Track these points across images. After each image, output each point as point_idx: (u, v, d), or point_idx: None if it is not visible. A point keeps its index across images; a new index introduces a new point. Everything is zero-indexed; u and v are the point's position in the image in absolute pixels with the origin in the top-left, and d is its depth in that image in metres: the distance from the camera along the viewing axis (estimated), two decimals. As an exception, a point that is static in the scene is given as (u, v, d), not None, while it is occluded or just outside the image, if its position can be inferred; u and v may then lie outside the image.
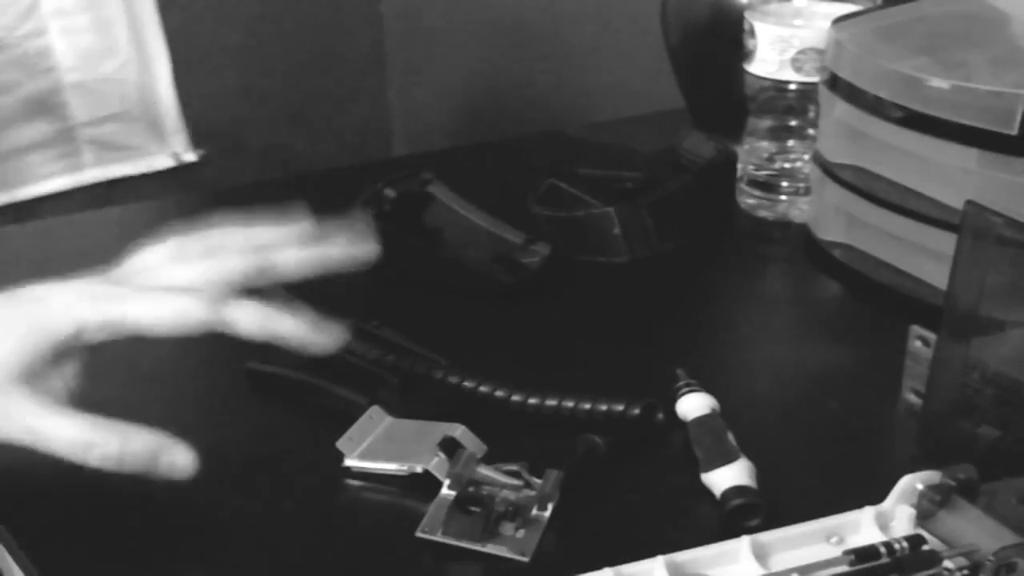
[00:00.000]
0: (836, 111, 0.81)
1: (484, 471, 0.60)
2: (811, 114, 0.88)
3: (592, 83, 1.53)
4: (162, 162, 1.77)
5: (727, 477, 0.59)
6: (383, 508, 0.62)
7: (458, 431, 0.63)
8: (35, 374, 0.57)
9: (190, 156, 1.77)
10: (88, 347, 0.59)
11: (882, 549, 0.51)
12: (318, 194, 1.01)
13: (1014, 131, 0.70)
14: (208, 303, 0.58)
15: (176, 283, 0.60)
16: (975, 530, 0.52)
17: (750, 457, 0.60)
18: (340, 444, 0.63)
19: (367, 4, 1.92)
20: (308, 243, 0.62)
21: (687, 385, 0.66)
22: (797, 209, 0.90)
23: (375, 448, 0.64)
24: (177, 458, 0.57)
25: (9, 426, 0.57)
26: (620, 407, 0.65)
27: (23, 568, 0.59)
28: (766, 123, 0.91)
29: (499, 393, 0.66)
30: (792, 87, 0.87)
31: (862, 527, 0.55)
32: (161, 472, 0.57)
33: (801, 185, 0.90)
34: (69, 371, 0.59)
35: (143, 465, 0.57)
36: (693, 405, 0.65)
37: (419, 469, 0.61)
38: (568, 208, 0.87)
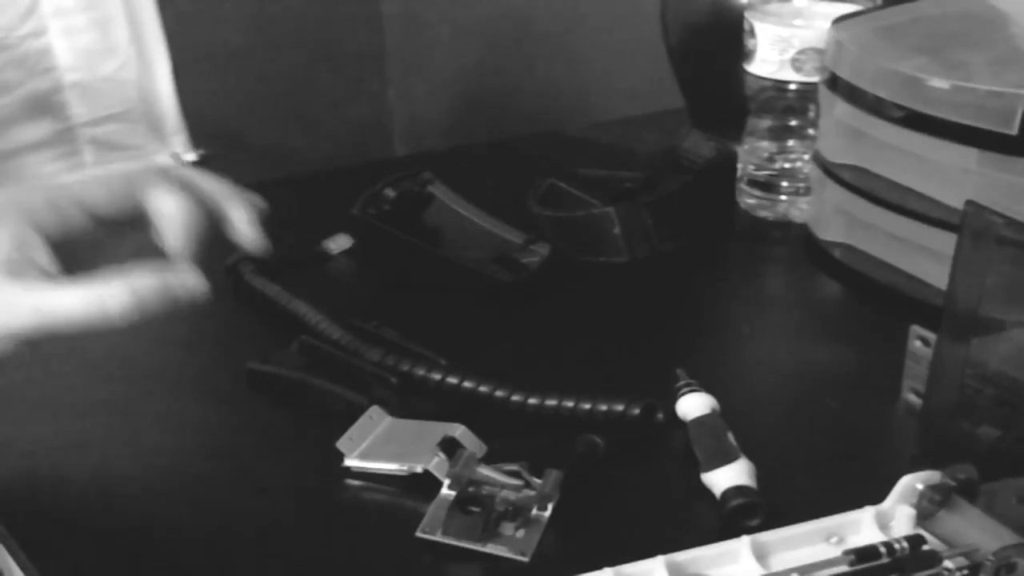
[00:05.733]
0: (836, 111, 0.81)
1: (484, 471, 0.60)
2: (811, 114, 0.88)
3: (592, 83, 1.53)
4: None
5: (727, 477, 0.59)
6: (383, 508, 0.62)
7: (458, 431, 0.63)
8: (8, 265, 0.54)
9: (190, 156, 1.77)
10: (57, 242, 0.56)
11: (882, 549, 0.51)
12: (318, 194, 1.01)
13: (1014, 131, 0.70)
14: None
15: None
16: (975, 530, 0.52)
17: (750, 457, 0.61)
18: (340, 444, 0.63)
19: (367, 4, 1.92)
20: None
21: (687, 385, 0.66)
22: (797, 209, 0.90)
23: (375, 448, 0.64)
24: (188, 281, 0.55)
25: (15, 314, 0.54)
26: (620, 407, 0.65)
27: (23, 568, 0.59)
28: (766, 123, 0.91)
29: (499, 393, 0.66)
30: (792, 87, 0.87)
31: (862, 527, 0.55)
32: (181, 302, 0.55)
33: (801, 185, 0.90)
34: (44, 261, 0.55)
35: (161, 302, 0.54)
36: (693, 405, 0.65)
37: (419, 469, 0.61)
38: (568, 208, 0.87)
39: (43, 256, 0.55)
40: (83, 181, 0.57)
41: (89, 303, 0.54)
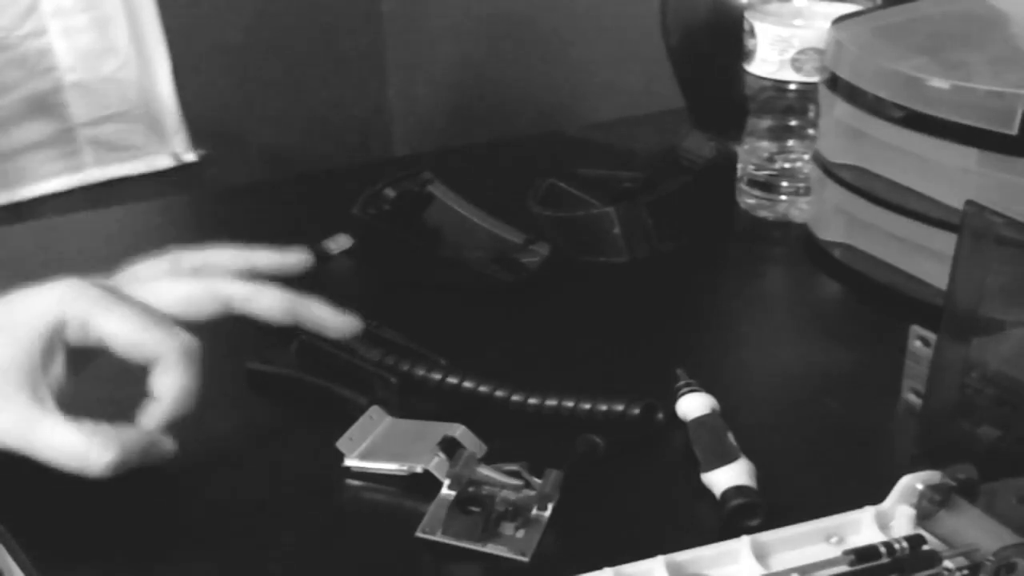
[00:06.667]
0: (836, 111, 0.81)
1: (484, 471, 0.60)
2: (811, 114, 0.88)
3: (592, 83, 1.53)
4: (162, 162, 1.77)
5: (727, 477, 0.59)
6: (383, 508, 0.62)
7: (458, 431, 0.63)
8: (28, 374, 0.57)
9: (190, 156, 1.77)
10: (73, 347, 0.59)
11: (882, 549, 0.51)
12: (318, 194, 1.01)
13: (1014, 131, 0.70)
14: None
15: (163, 300, 0.61)
16: (975, 530, 0.52)
17: (750, 457, 0.61)
18: (340, 444, 0.63)
19: (367, 3, 1.92)
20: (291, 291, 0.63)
21: (687, 385, 0.66)
22: (797, 209, 0.90)
23: (375, 448, 0.64)
24: (164, 447, 0.60)
25: (8, 428, 0.57)
26: (620, 407, 0.65)
27: (23, 568, 0.59)
28: (766, 123, 0.91)
29: (499, 393, 0.66)
30: (792, 87, 0.87)
31: (862, 527, 0.55)
32: (149, 463, 0.59)
33: (801, 185, 0.90)
34: (59, 371, 0.59)
35: (135, 464, 0.58)
36: (693, 405, 0.65)
37: (419, 469, 0.61)
38: (568, 208, 0.87)
39: (60, 370, 0.58)
40: (120, 316, 0.59)
41: (76, 449, 0.57)
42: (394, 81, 1.96)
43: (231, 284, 0.62)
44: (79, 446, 0.56)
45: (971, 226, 0.59)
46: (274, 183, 1.10)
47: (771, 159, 0.91)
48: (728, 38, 0.91)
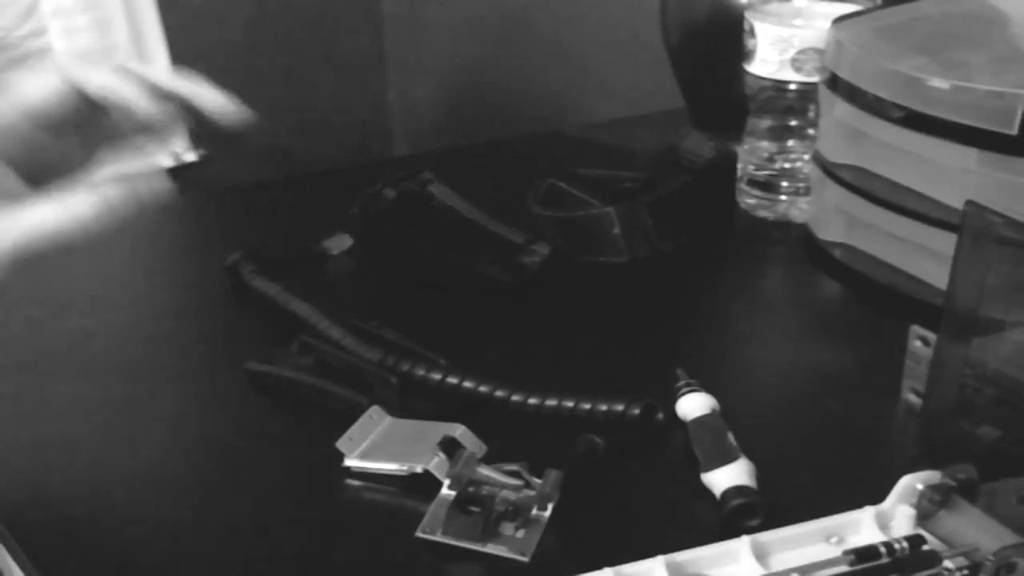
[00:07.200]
0: (836, 111, 0.81)
1: (484, 471, 0.60)
2: (811, 114, 0.88)
3: (592, 83, 1.53)
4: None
5: (727, 477, 0.59)
6: (383, 508, 0.62)
7: (458, 431, 0.63)
8: None
9: (190, 156, 1.77)
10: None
11: (882, 549, 0.51)
12: (318, 194, 1.01)
13: (1014, 131, 0.70)
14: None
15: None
16: (975, 530, 0.52)
17: (750, 457, 0.61)
18: (340, 444, 0.63)
19: (367, 4, 1.92)
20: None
21: (687, 385, 0.66)
22: (797, 209, 0.90)
23: (375, 448, 0.64)
24: (154, 182, 0.59)
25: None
26: (620, 407, 0.65)
27: (23, 568, 0.59)
28: (766, 123, 0.91)
29: (499, 393, 0.66)
30: (792, 87, 0.87)
31: (862, 527, 0.55)
32: (148, 206, 0.58)
33: (801, 185, 0.90)
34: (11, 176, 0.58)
35: (130, 208, 0.57)
36: (693, 405, 0.65)
37: (419, 469, 0.61)
38: (568, 208, 0.87)
39: (8, 179, 0.57)
40: (40, 97, 0.59)
41: (62, 215, 0.55)
42: (394, 81, 1.96)
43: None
44: (64, 210, 0.55)
45: (971, 226, 0.59)
46: (274, 183, 1.10)
47: (771, 159, 0.91)
48: (728, 38, 0.91)
